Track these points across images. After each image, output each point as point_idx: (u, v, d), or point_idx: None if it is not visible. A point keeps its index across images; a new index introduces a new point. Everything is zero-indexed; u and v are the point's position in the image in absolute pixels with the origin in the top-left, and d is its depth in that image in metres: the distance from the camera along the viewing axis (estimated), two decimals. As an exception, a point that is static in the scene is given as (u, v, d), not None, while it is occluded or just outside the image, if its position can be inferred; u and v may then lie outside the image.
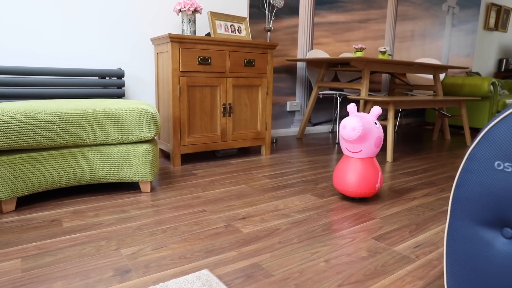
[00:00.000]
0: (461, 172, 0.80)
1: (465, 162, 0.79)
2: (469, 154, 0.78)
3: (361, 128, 1.58)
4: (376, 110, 1.70)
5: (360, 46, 3.42)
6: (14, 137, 1.48)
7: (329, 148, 3.09)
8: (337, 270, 1.13)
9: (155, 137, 1.76)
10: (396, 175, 2.26)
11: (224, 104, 2.50)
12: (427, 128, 4.58)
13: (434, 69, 3.73)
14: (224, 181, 2.05)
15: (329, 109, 4.05)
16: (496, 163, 0.73)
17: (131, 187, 1.90)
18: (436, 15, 5.03)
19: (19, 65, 2.17)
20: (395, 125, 4.59)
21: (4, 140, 1.47)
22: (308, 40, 3.74)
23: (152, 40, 2.50)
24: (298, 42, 3.67)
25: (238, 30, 2.78)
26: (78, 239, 1.31)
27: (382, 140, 1.70)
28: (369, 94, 3.98)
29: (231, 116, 2.54)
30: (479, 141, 0.76)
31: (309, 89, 3.84)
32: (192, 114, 2.38)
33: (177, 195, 1.78)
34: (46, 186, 1.62)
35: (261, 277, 1.08)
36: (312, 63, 3.66)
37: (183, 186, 1.94)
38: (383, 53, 3.61)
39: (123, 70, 2.41)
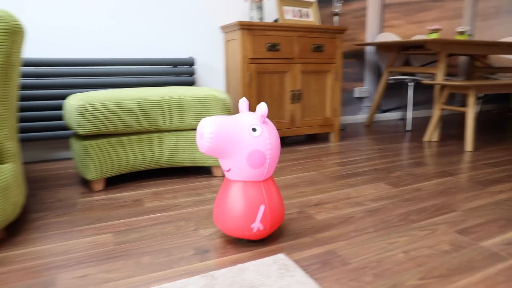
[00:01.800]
0: None
1: None
2: None
3: (212, 136, 1.04)
4: (261, 109, 1.10)
5: (435, 27, 3.20)
6: (101, 123, 1.61)
7: (400, 136, 2.95)
8: (417, 262, 1.08)
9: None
10: (477, 166, 2.09)
11: (292, 91, 2.48)
12: (510, 115, 4.19)
13: (522, 49, 3.37)
14: (294, 167, 2.05)
15: (400, 95, 3.86)
16: None
17: (204, 171, 1.98)
18: (524, -10, 4.52)
19: (101, 56, 2.33)
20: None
21: (92, 125, 1.59)
22: (378, 23, 3.57)
23: (222, 28, 2.54)
24: (367, 25, 3.52)
25: (306, 15, 2.73)
26: (159, 218, 1.39)
27: (268, 157, 1.09)
28: (445, 79, 3.72)
29: (299, 102, 2.52)
30: None
31: (378, 74, 3.68)
32: (261, 101, 2.40)
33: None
34: (128, 168, 1.74)
35: (338, 264, 1.07)
36: (382, 47, 3.49)
37: (253, 171, 1.97)
38: (462, 33, 3.34)
39: (194, 58, 2.48)
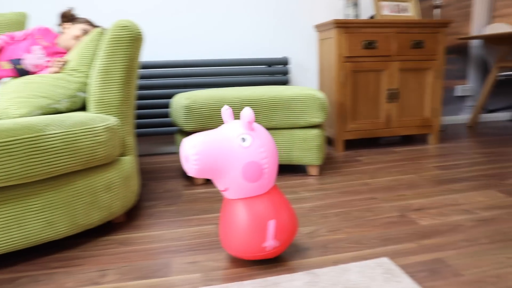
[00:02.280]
0: None
1: None
2: None
3: (197, 157, 0.91)
4: (246, 115, 0.96)
5: (560, 15, 2.80)
6: (205, 120, 1.71)
7: (511, 138, 2.65)
8: (544, 280, 0.97)
9: (323, 122, 1.81)
10: None
11: (389, 89, 2.38)
12: None
13: None
14: (390, 169, 1.97)
15: (511, 93, 3.46)
16: None
17: (299, 170, 2.00)
18: None
19: (203, 58, 2.48)
20: None
21: (197, 122, 1.71)
22: (486, 13, 3.24)
23: (316, 26, 2.53)
24: (473, 16, 3.22)
25: (404, 9, 2.60)
26: (259, 213, 1.44)
27: (265, 167, 0.98)
28: None
29: (396, 102, 2.41)
30: None
31: (484, 70, 3.35)
32: (356, 100, 2.35)
33: (344, 180, 1.80)
34: (227, 164, 1.83)
35: (449, 274, 1.01)
36: (492, 40, 3.17)
37: (348, 172, 1.94)
38: None
39: (288, 58, 2.51)
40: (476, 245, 1.16)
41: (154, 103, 2.34)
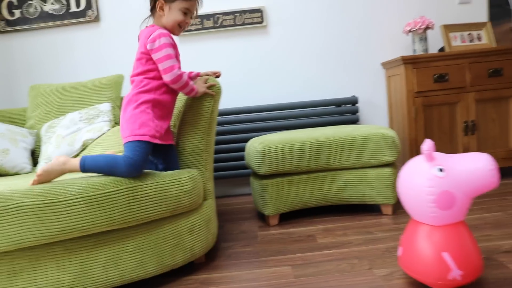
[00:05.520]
0: None
1: None
2: None
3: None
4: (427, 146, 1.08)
5: None
6: (278, 163, 1.80)
7: None
8: None
9: (396, 161, 1.80)
10: None
11: (465, 122, 2.28)
12: None
13: None
14: (472, 206, 1.86)
15: None
16: None
17: (372, 209, 1.97)
18: None
19: (274, 102, 2.62)
20: None
21: (270, 166, 1.80)
22: None
23: (383, 64, 2.55)
24: (560, 37, 2.98)
25: (477, 37, 2.52)
26: (333, 255, 1.45)
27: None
28: None
29: (474, 134, 2.29)
30: None
31: None
32: (429, 135, 2.28)
33: (421, 220, 1.73)
34: (300, 205, 1.88)
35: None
36: None
37: (425, 210, 1.87)
38: None
39: (357, 97, 2.54)
40: None
41: (230, 147, 2.49)
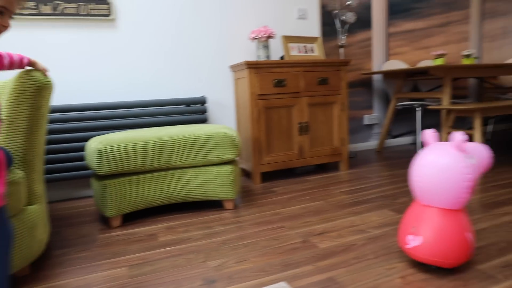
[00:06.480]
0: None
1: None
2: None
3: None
4: (458, 138, 1.17)
5: (439, 52, 3.27)
6: (119, 163, 1.74)
7: (410, 160, 2.98)
8: (414, 286, 1.13)
9: (236, 158, 1.92)
10: (485, 188, 2.11)
11: (300, 123, 2.58)
12: (527, 134, 4.14)
13: (530, 70, 3.39)
14: (302, 197, 2.12)
15: (410, 120, 3.90)
16: None
17: (216, 205, 2.07)
18: (531, 10, 4.57)
19: (119, 100, 2.51)
20: (486, 133, 4.23)
21: (111, 166, 1.73)
22: (383, 52, 3.68)
23: (231, 67, 2.70)
24: (373, 54, 3.63)
25: (311, 50, 2.87)
26: (171, 252, 1.48)
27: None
28: (453, 102, 3.75)
29: (307, 134, 2.62)
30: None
31: (386, 101, 3.76)
32: (270, 134, 2.51)
33: (257, 212, 1.90)
34: (144, 204, 1.85)
35: (336, 290, 1.13)
36: (389, 75, 3.58)
37: (263, 203, 2.05)
38: (468, 56, 3.40)
39: (206, 97, 2.63)
40: (363, 261, 1.30)
41: (70, 147, 2.30)
